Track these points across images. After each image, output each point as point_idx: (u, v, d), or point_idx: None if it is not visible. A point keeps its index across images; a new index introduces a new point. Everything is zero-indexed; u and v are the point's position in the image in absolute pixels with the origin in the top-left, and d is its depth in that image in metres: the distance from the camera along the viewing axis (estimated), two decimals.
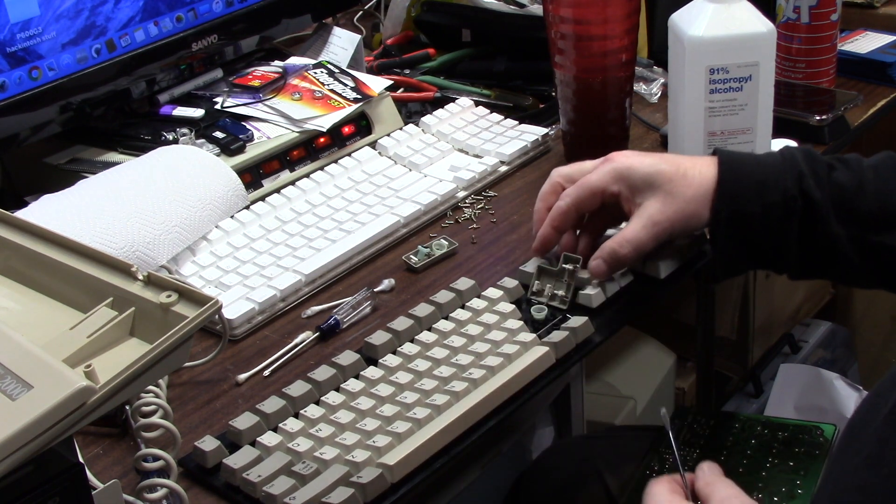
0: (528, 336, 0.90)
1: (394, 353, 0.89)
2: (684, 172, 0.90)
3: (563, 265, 0.95)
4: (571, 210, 0.94)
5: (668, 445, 1.10)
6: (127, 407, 0.85)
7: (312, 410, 0.83)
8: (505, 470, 1.41)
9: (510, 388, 0.85)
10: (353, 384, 0.86)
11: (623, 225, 0.95)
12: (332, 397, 0.84)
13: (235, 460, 0.79)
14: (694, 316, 1.84)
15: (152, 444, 0.82)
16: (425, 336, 0.90)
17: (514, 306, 0.94)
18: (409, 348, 0.89)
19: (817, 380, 1.73)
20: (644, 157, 0.92)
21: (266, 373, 0.91)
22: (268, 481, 0.76)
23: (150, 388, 0.85)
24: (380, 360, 0.88)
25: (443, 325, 0.92)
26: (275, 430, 0.82)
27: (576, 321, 0.91)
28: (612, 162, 0.93)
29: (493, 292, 0.96)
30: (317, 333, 0.95)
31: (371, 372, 0.87)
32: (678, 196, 0.89)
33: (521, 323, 0.92)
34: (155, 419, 0.82)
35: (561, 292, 0.95)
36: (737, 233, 0.89)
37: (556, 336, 0.89)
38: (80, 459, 0.64)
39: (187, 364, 0.91)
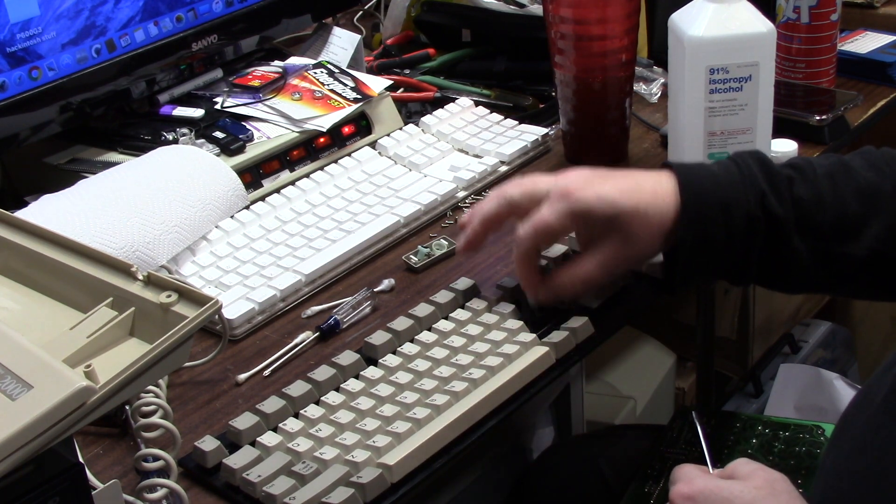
0: (527, 336, 0.90)
1: (394, 353, 0.89)
2: (644, 211, 0.85)
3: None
4: (530, 253, 0.90)
5: (669, 444, 1.10)
6: (127, 407, 0.85)
7: (312, 410, 0.83)
8: (505, 470, 1.41)
9: (510, 388, 0.85)
10: (353, 384, 0.86)
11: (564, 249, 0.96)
12: (332, 397, 0.84)
13: (235, 460, 0.79)
14: (694, 316, 1.84)
15: (152, 444, 0.82)
16: (425, 336, 0.90)
17: (514, 306, 0.94)
18: (408, 348, 0.89)
19: (817, 380, 1.73)
20: (603, 190, 0.86)
21: (266, 373, 0.91)
22: (268, 481, 0.76)
23: (150, 388, 0.85)
24: (380, 360, 0.88)
25: (443, 325, 0.92)
26: (275, 430, 0.82)
27: (576, 321, 0.91)
28: (567, 200, 0.86)
29: (492, 292, 0.96)
30: (317, 333, 0.95)
31: (371, 372, 0.87)
32: (636, 240, 0.86)
33: (521, 323, 0.92)
34: (155, 419, 0.82)
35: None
36: (699, 256, 0.87)
37: (556, 336, 0.89)
38: (80, 459, 0.64)
39: (187, 364, 0.91)
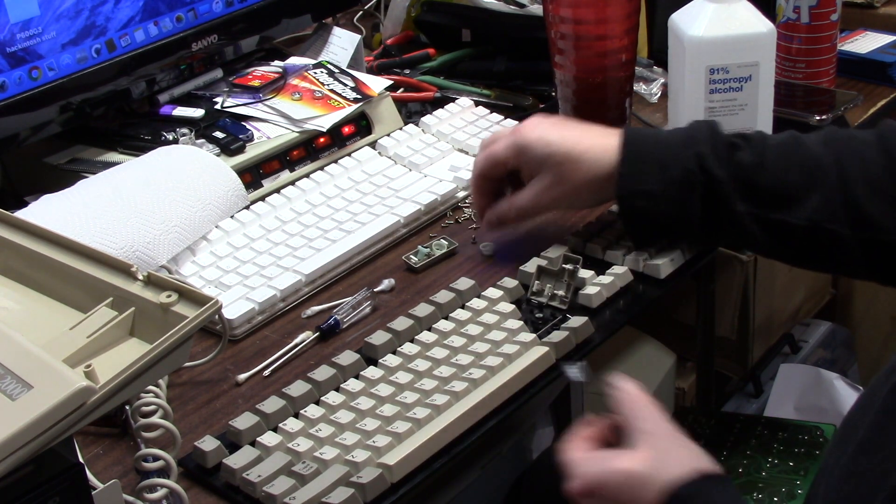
0: (528, 336, 0.90)
1: (394, 353, 0.89)
2: (578, 156, 0.93)
3: (563, 265, 0.95)
4: (479, 179, 1.00)
5: None
6: (127, 407, 0.85)
7: (312, 410, 0.83)
8: (505, 470, 1.41)
9: (510, 388, 0.85)
10: (352, 384, 0.86)
11: None
12: (332, 397, 0.84)
13: (235, 460, 0.79)
14: (694, 316, 1.83)
15: (152, 444, 0.82)
16: (425, 336, 0.90)
17: (514, 306, 0.94)
18: (408, 348, 0.89)
19: (817, 380, 1.73)
20: (547, 132, 0.96)
21: (266, 373, 0.91)
22: (268, 481, 0.76)
23: (150, 388, 0.85)
24: (380, 360, 0.88)
25: (443, 325, 0.92)
26: (275, 430, 0.82)
27: (576, 321, 0.91)
28: (515, 135, 0.97)
29: (492, 292, 0.96)
30: (317, 333, 0.95)
31: (371, 372, 0.87)
32: (565, 181, 0.94)
33: (521, 323, 0.92)
34: (155, 419, 0.82)
35: (561, 292, 0.95)
36: (639, 209, 0.93)
37: (556, 336, 0.89)
38: (80, 459, 0.64)
39: (187, 364, 0.91)
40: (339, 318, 0.96)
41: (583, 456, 0.77)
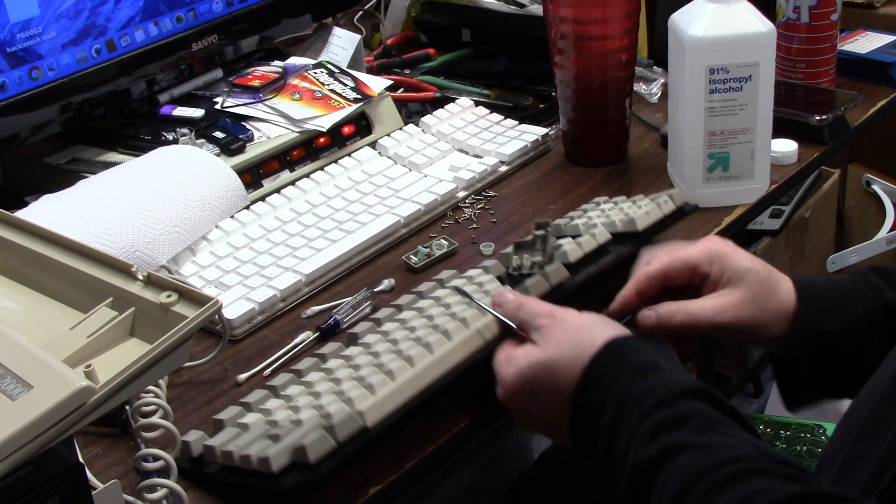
0: (501, 287, 0.89)
1: (374, 332, 0.89)
2: (776, 282, 0.86)
3: (535, 233, 0.95)
4: (658, 277, 0.89)
5: None
6: (127, 407, 0.85)
7: (292, 390, 0.83)
8: (505, 470, 1.41)
9: (484, 333, 0.84)
10: (332, 363, 0.85)
11: None
12: (313, 376, 0.84)
13: (216, 440, 0.79)
14: None
15: (152, 444, 0.82)
16: (405, 314, 0.90)
17: (492, 276, 0.93)
18: (388, 326, 0.88)
19: None
20: (742, 252, 0.88)
21: (266, 373, 0.91)
22: (246, 448, 0.76)
23: (150, 388, 0.85)
24: (360, 341, 0.88)
25: (423, 303, 0.91)
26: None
27: (549, 267, 0.90)
28: (710, 243, 0.89)
29: (473, 272, 0.94)
30: (317, 333, 0.95)
31: (350, 350, 0.86)
32: (759, 302, 0.86)
33: (498, 283, 0.91)
34: (155, 419, 0.82)
35: (538, 259, 0.94)
36: (817, 352, 0.85)
37: (529, 281, 0.89)
38: (80, 459, 0.64)
39: (187, 364, 0.91)
40: (339, 318, 0.96)
41: (499, 362, 0.80)
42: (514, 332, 0.82)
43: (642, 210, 0.97)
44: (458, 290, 0.89)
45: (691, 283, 0.89)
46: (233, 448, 0.77)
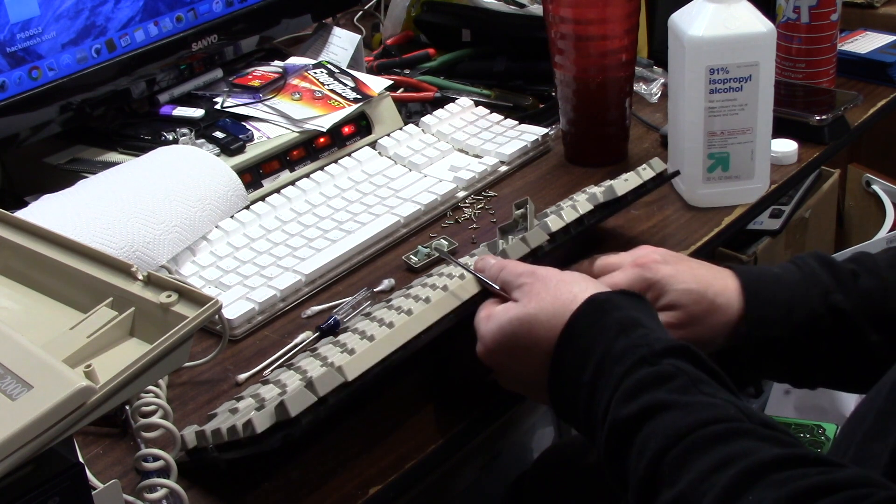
0: (485, 252, 0.89)
1: (363, 320, 0.89)
2: (714, 296, 0.85)
3: (516, 212, 0.95)
4: None
5: None
6: (127, 407, 0.85)
7: (283, 375, 0.84)
8: (505, 470, 1.41)
9: (464, 290, 0.84)
10: (322, 350, 0.86)
11: None
12: (303, 363, 0.85)
13: (207, 427, 0.79)
14: None
15: (152, 444, 0.82)
16: (394, 301, 0.90)
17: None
18: (378, 314, 0.89)
19: None
20: (676, 268, 0.86)
21: (266, 373, 0.91)
22: (232, 422, 0.77)
23: (150, 388, 0.85)
24: (350, 329, 0.88)
25: (412, 291, 0.91)
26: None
27: (529, 233, 0.90)
28: (643, 269, 0.86)
29: (463, 260, 0.94)
30: (317, 333, 0.95)
31: (340, 338, 0.87)
32: (699, 321, 0.85)
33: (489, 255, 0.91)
34: (155, 419, 0.82)
35: (523, 234, 0.94)
36: (763, 356, 0.85)
37: (508, 244, 0.89)
38: (80, 459, 0.64)
39: (187, 364, 0.91)
40: (339, 318, 0.96)
41: (479, 319, 0.80)
42: (496, 293, 0.82)
43: (621, 178, 0.98)
44: (441, 253, 0.87)
45: None
46: (221, 426, 0.77)
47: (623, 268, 0.87)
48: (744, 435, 0.63)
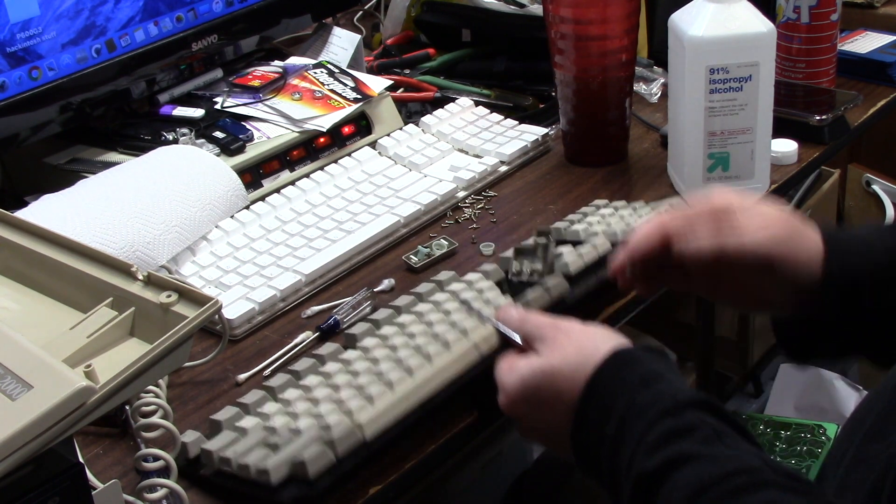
0: (503, 299, 0.89)
1: (373, 336, 0.89)
2: (802, 225, 0.81)
3: (537, 239, 0.95)
4: (655, 233, 0.84)
5: None
6: (127, 407, 0.85)
7: (290, 393, 0.83)
8: (505, 470, 1.41)
9: (483, 345, 0.85)
10: (331, 366, 0.85)
11: None
12: (311, 380, 0.84)
13: (213, 444, 0.79)
14: (694, 316, 1.84)
15: (152, 444, 0.82)
16: (403, 318, 0.90)
17: (492, 283, 0.93)
18: (387, 330, 0.89)
19: (817, 380, 1.73)
20: (758, 202, 0.83)
21: (266, 373, 0.91)
22: (243, 455, 0.76)
23: (150, 388, 0.85)
24: (358, 344, 0.88)
25: (421, 307, 0.91)
26: (255, 415, 0.82)
27: (550, 280, 0.90)
28: (714, 196, 0.83)
29: (472, 276, 0.94)
30: (317, 333, 0.95)
31: (349, 354, 0.86)
32: (791, 241, 0.80)
33: (498, 291, 0.91)
34: (155, 419, 0.82)
35: (538, 266, 0.94)
36: (848, 295, 0.80)
37: (530, 294, 0.89)
38: (80, 459, 0.64)
39: (187, 364, 0.91)
40: (339, 318, 0.96)
41: (501, 371, 0.79)
42: (517, 345, 0.82)
43: (642, 219, 0.97)
44: (463, 302, 0.88)
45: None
46: (230, 454, 0.77)
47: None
48: (768, 486, 0.64)
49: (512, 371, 0.79)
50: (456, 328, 0.86)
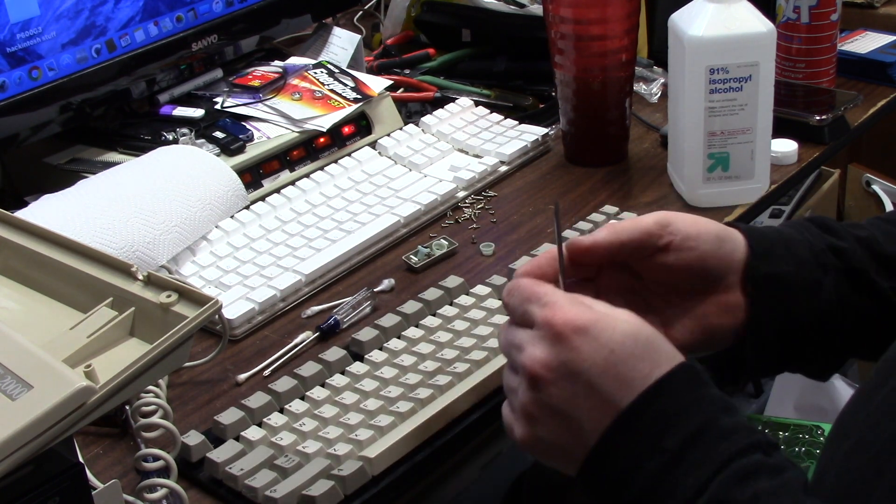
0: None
1: (380, 349, 0.89)
2: (727, 235, 0.81)
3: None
4: (615, 244, 0.81)
5: None
6: (127, 407, 0.85)
7: (297, 405, 0.83)
8: (505, 470, 1.41)
9: (493, 381, 0.85)
10: (338, 379, 0.85)
11: None
12: (317, 392, 0.84)
13: (219, 454, 0.79)
14: None
15: (152, 444, 0.82)
16: (412, 332, 0.90)
17: (501, 302, 0.93)
18: (395, 344, 0.89)
19: None
20: (688, 215, 0.82)
21: (266, 373, 0.91)
22: (250, 475, 0.77)
23: (150, 388, 0.85)
24: (366, 356, 0.88)
25: (430, 321, 0.91)
26: (259, 424, 0.82)
27: None
28: (657, 213, 0.81)
29: (481, 289, 0.95)
30: (317, 333, 0.95)
31: (356, 367, 0.87)
32: (717, 251, 0.80)
33: (508, 318, 0.91)
34: (155, 419, 0.82)
35: None
36: (774, 297, 0.80)
37: None
38: (80, 459, 0.64)
39: (187, 364, 0.91)
40: (339, 318, 0.96)
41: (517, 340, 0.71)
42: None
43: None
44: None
45: (641, 250, 0.80)
46: (237, 472, 0.77)
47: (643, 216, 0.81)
48: None
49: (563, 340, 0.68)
50: (466, 358, 0.86)
